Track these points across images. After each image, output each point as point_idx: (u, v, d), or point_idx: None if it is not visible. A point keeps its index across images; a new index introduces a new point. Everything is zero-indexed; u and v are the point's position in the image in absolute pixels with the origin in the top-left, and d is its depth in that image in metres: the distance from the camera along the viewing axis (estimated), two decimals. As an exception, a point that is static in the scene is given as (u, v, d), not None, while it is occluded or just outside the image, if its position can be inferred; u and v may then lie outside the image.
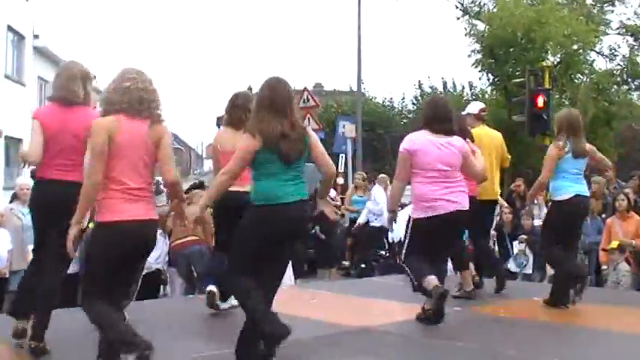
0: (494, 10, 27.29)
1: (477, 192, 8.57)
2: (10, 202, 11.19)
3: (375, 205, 15.29)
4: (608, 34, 28.10)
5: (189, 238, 10.50)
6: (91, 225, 6.02)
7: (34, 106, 29.29)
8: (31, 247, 8.70)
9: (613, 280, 11.70)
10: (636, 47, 27.77)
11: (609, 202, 13.56)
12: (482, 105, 10.14)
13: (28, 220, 9.73)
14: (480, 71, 28.54)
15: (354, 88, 28.89)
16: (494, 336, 6.96)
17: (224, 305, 7.68)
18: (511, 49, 26.63)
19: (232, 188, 5.88)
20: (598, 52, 28.13)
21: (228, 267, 5.83)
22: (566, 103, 27.43)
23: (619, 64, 28.04)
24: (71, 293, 9.89)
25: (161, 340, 6.31)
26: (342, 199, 18.83)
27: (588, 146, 8.24)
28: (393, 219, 7.98)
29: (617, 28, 28.07)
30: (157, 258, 10.49)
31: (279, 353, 6.12)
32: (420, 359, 5.96)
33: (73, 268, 9.88)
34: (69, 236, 5.21)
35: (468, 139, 7.81)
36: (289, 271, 9.12)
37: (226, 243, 6.39)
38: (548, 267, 12.38)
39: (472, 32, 28.00)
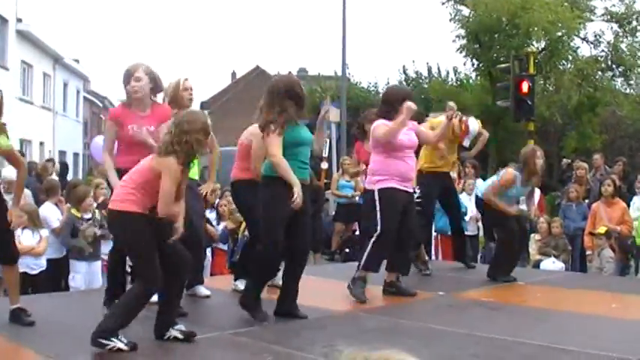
0: (480, -5, 27.25)
1: None
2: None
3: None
4: (592, 20, 28.10)
5: None
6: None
7: (17, 89, 29.19)
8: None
9: (597, 267, 11.74)
10: (621, 34, 27.79)
11: (593, 188, 13.63)
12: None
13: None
14: (464, 56, 28.54)
15: (339, 73, 28.82)
16: (478, 320, 6.98)
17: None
18: (496, 35, 26.63)
19: None
20: (583, 39, 28.15)
21: None
22: (551, 89, 27.48)
23: (603, 51, 28.07)
24: (57, 278, 9.90)
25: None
26: (326, 183, 18.80)
27: None
28: None
29: (602, 15, 28.07)
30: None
31: (263, 336, 6.15)
32: (403, 344, 5.92)
33: (57, 254, 9.90)
34: None
35: None
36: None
37: None
38: (530, 250, 12.48)
39: (457, 17, 27.96)
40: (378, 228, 7.70)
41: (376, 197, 7.74)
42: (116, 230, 6.12)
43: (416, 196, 8.84)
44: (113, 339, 5.53)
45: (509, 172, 9.09)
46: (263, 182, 6.68)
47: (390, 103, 7.90)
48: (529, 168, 8.90)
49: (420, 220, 9.51)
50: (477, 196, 9.78)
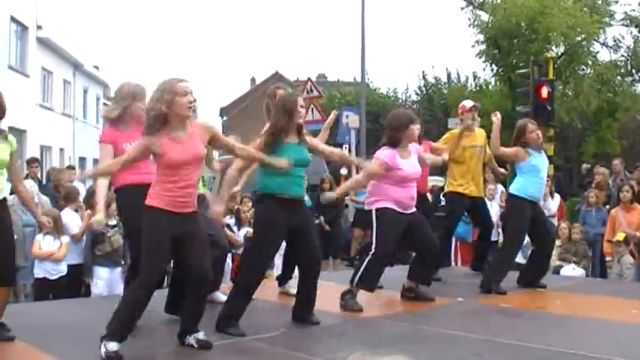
0: (498, 0, 27.16)
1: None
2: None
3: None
4: (612, 25, 27.95)
5: None
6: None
7: (37, 96, 29.35)
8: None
9: (617, 273, 11.67)
10: (640, 39, 27.65)
11: (613, 194, 13.55)
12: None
13: (29, 216, 9.71)
14: (483, 62, 28.43)
15: (358, 79, 28.84)
16: (496, 326, 6.98)
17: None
18: (515, 40, 26.54)
19: None
20: (602, 44, 28.00)
21: None
22: (570, 94, 27.35)
23: (623, 56, 27.92)
24: (76, 283, 9.94)
25: (164, 330, 6.36)
26: (346, 189, 18.79)
27: None
28: None
29: (622, 20, 27.90)
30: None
31: (282, 342, 6.16)
32: (422, 349, 5.96)
33: (77, 259, 9.95)
34: None
35: None
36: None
37: None
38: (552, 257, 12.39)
39: (476, 23, 27.85)
40: (372, 247, 7.70)
41: (373, 217, 7.75)
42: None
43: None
44: (102, 343, 5.55)
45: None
46: (257, 199, 6.74)
47: (395, 130, 7.82)
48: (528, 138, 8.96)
49: (441, 235, 9.48)
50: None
